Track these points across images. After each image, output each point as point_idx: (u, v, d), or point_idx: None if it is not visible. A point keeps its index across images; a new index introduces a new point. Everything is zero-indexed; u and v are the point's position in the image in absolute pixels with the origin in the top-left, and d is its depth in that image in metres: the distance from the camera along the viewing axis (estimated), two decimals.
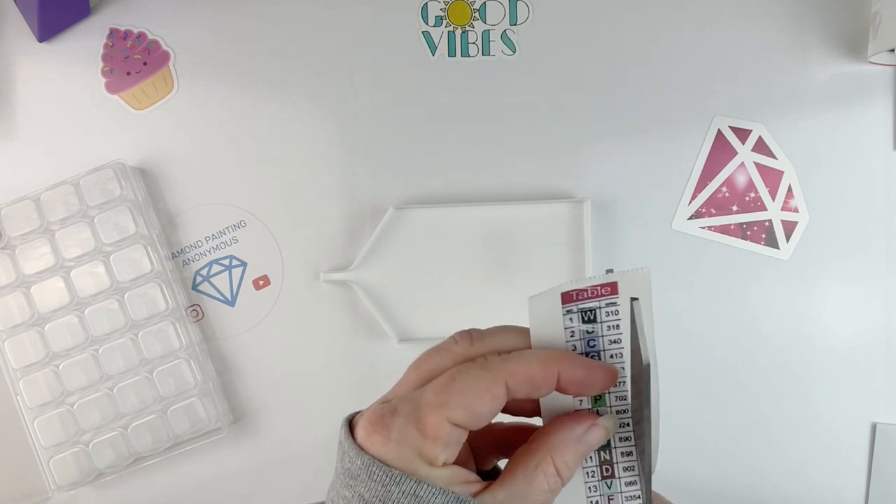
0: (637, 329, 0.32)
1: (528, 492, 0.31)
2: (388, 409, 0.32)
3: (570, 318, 0.34)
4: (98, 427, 0.56)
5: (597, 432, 0.33)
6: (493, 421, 0.32)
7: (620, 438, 0.35)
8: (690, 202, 0.59)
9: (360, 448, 0.31)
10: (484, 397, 0.30)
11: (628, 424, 0.35)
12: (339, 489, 0.32)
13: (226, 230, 0.59)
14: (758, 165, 0.58)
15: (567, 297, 0.33)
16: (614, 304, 0.34)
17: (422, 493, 0.29)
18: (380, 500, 0.30)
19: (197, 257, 0.59)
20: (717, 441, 0.58)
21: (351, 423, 0.34)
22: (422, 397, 0.32)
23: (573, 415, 0.33)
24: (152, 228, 0.58)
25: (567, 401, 0.34)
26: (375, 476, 0.30)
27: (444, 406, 0.30)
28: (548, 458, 0.31)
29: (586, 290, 0.33)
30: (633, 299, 0.32)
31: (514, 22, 0.59)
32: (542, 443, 0.32)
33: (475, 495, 0.31)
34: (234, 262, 0.59)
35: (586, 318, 0.34)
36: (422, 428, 0.30)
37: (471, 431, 0.31)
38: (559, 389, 0.32)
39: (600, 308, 0.34)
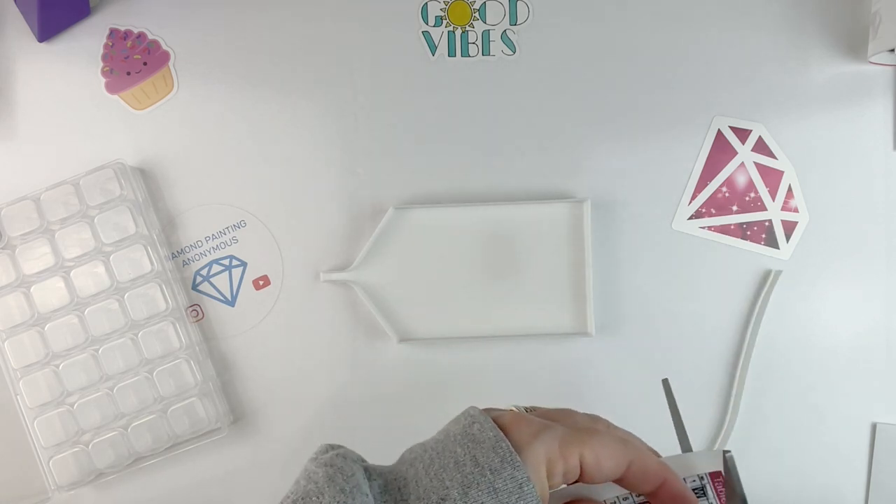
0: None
1: None
2: (542, 422, 0.36)
3: None
4: (98, 427, 0.56)
5: None
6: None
7: None
8: (690, 202, 0.59)
9: (500, 426, 0.35)
10: (611, 460, 0.35)
11: None
12: (449, 445, 0.35)
13: (226, 230, 0.59)
14: (758, 165, 0.58)
15: None
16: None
17: (526, 490, 0.33)
18: (490, 471, 0.33)
19: (197, 257, 0.59)
20: (716, 441, 0.58)
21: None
22: (576, 427, 0.36)
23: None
24: (152, 228, 0.58)
25: None
26: (500, 451, 0.33)
27: (586, 445, 0.35)
28: None
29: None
30: (725, 452, 0.39)
31: (514, 22, 0.59)
32: None
33: None
34: (234, 262, 0.59)
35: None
36: (561, 445, 0.34)
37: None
38: (649, 494, 0.37)
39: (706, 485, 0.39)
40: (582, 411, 0.40)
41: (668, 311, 0.58)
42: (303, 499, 0.33)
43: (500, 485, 0.33)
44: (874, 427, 0.57)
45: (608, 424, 0.38)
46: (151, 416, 0.56)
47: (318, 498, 0.33)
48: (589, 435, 0.35)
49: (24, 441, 0.56)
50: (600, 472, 0.35)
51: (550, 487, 0.35)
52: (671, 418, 0.41)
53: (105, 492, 0.58)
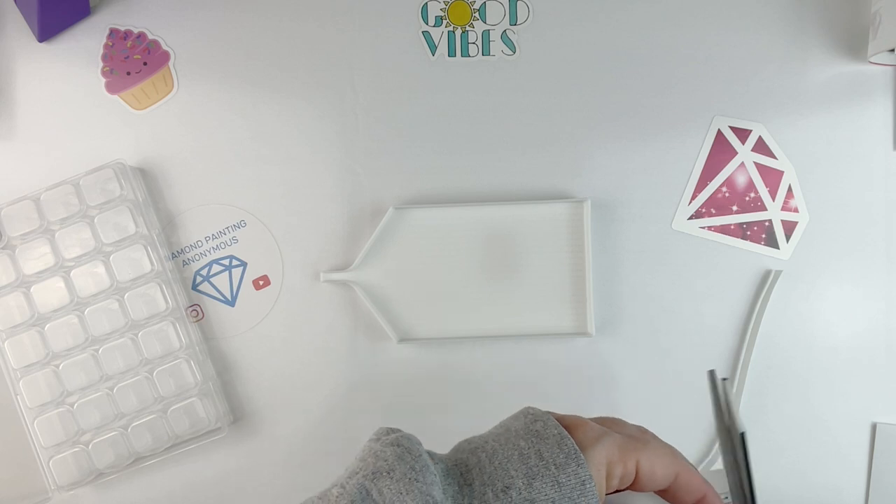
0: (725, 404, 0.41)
1: None
2: (602, 427, 0.38)
3: None
4: (98, 427, 0.56)
5: None
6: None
7: None
8: (690, 202, 0.59)
9: (567, 429, 0.37)
10: (663, 469, 0.37)
11: None
12: (512, 439, 0.36)
13: (226, 230, 0.59)
14: (758, 165, 0.58)
15: None
16: None
17: (588, 487, 0.34)
18: (555, 465, 0.35)
19: (197, 257, 0.59)
20: (716, 441, 0.58)
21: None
22: (634, 435, 0.38)
23: None
24: (152, 228, 0.58)
25: None
26: (566, 448, 0.35)
27: (643, 452, 0.37)
28: None
29: None
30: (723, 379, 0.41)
31: (514, 22, 0.59)
32: None
33: None
34: (234, 262, 0.59)
35: None
36: (621, 451, 0.36)
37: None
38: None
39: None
40: (631, 422, 0.41)
41: (668, 311, 0.58)
42: (373, 474, 0.34)
43: (564, 479, 0.34)
44: (874, 427, 0.57)
45: (654, 436, 0.40)
46: (151, 416, 0.56)
47: (388, 475, 0.34)
48: (644, 444, 0.37)
49: (24, 441, 0.56)
50: (653, 479, 0.37)
51: (607, 490, 0.37)
52: (714, 413, 0.42)
53: (105, 492, 0.58)
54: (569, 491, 0.34)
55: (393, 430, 0.37)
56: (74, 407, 0.56)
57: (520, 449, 0.36)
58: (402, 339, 0.58)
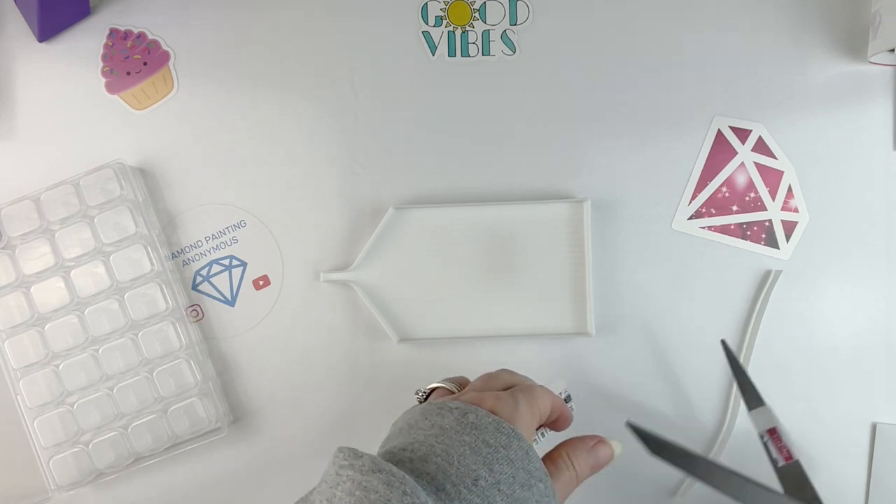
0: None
1: (550, 468, 0.42)
2: (509, 395, 0.42)
3: None
4: (98, 427, 0.56)
5: (604, 448, 0.45)
6: None
7: None
8: (690, 202, 0.59)
9: (491, 412, 0.40)
10: (548, 405, 0.44)
11: None
12: (454, 437, 0.39)
13: (226, 230, 0.59)
14: (758, 165, 0.58)
15: None
16: None
17: (532, 454, 0.39)
18: (503, 447, 0.39)
19: (197, 257, 0.59)
20: (716, 440, 0.58)
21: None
22: (522, 386, 0.44)
23: (590, 434, 0.45)
24: (152, 228, 0.58)
25: None
26: (504, 430, 0.39)
27: (538, 400, 0.43)
28: (562, 451, 0.44)
29: None
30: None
31: (514, 22, 0.59)
32: (563, 444, 0.44)
33: None
34: (234, 262, 0.59)
35: None
36: (529, 405, 0.42)
37: None
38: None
39: None
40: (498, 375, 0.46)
41: (668, 311, 0.58)
42: None
43: (513, 455, 0.39)
44: (874, 427, 0.57)
45: (512, 373, 0.47)
46: (151, 416, 0.56)
47: None
48: (531, 391, 0.43)
49: (24, 441, 0.56)
50: (545, 414, 0.44)
51: None
52: (735, 377, 0.49)
53: (105, 492, 0.58)
54: (520, 463, 0.39)
55: (355, 453, 0.37)
56: (74, 407, 0.56)
57: (468, 444, 0.39)
58: (402, 339, 0.58)
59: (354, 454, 0.36)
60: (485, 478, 0.38)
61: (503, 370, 0.47)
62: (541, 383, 0.46)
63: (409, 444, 0.40)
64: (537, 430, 0.46)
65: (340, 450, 0.37)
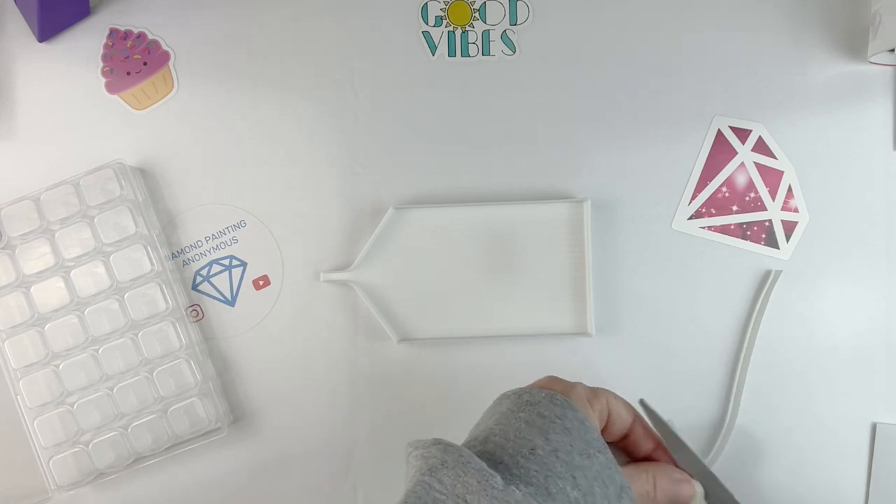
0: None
1: (631, 475, 0.42)
2: (567, 380, 0.43)
3: None
4: (98, 427, 0.56)
5: (686, 486, 0.44)
6: None
7: None
8: (690, 202, 0.59)
9: (544, 388, 0.42)
10: (626, 412, 0.44)
11: None
12: (510, 417, 0.41)
13: (226, 230, 0.59)
14: (758, 165, 0.58)
15: None
16: None
17: (588, 424, 0.40)
18: (558, 417, 0.40)
19: (197, 257, 0.59)
20: (716, 440, 0.58)
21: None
22: (596, 388, 0.44)
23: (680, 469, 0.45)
24: (152, 228, 0.58)
25: None
26: (558, 401, 0.40)
27: (609, 395, 0.43)
28: (650, 470, 0.44)
29: None
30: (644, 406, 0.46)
31: (514, 22, 0.59)
32: (653, 463, 0.45)
33: None
34: (234, 262, 0.59)
35: None
36: (592, 390, 0.43)
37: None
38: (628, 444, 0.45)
39: None
40: None
41: (668, 311, 0.58)
42: (429, 470, 0.37)
43: (569, 424, 0.39)
44: (874, 427, 0.57)
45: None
46: (151, 416, 0.56)
47: (442, 466, 0.37)
48: (607, 390, 0.44)
49: (24, 441, 0.56)
50: (619, 419, 0.43)
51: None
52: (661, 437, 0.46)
53: (105, 492, 0.58)
54: (576, 432, 0.39)
55: (418, 440, 0.40)
56: (74, 407, 0.56)
57: (523, 419, 0.40)
58: (402, 339, 0.58)
59: (418, 441, 0.40)
60: (542, 447, 0.39)
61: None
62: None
63: (473, 436, 0.42)
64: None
65: (408, 444, 0.40)
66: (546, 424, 0.39)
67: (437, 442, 0.39)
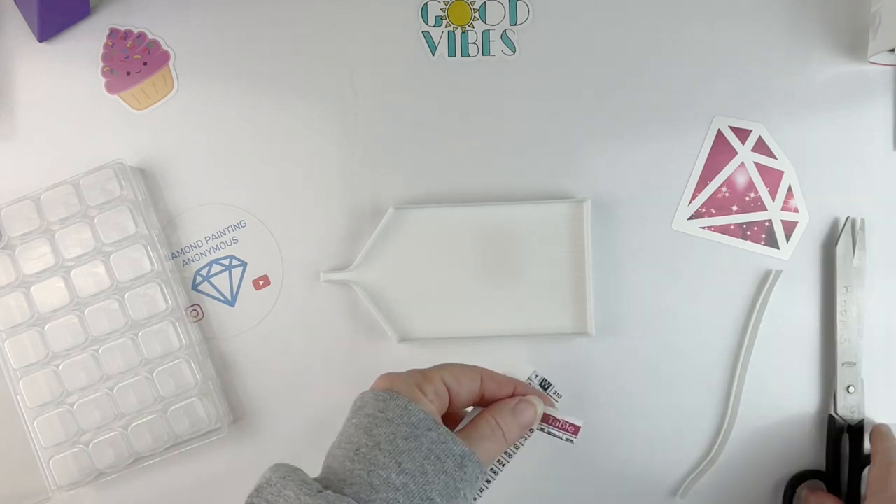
0: None
1: (473, 433, 0.44)
2: (401, 372, 0.44)
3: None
4: (98, 427, 0.56)
5: (526, 407, 0.46)
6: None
7: None
8: (690, 202, 0.59)
9: (372, 389, 0.43)
10: (467, 376, 0.45)
11: None
12: (347, 423, 0.43)
13: (226, 230, 0.59)
14: (758, 165, 0.58)
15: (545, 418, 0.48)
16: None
17: (410, 407, 0.41)
18: (380, 411, 0.41)
19: (197, 257, 0.59)
20: (716, 440, 0.58)
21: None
22: (436, 367, 0.45)
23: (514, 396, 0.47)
24: (152, 228, 0.58)
25: None
26: (381, 397, 0.42)
27: (443, 370, 0.45)
28: (489, 415, 0.45)
29: (558, 421, 0.48)
30: None
31: (514, 22, 0.59)
32: (489, 406, 0.46)
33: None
34: (234, 262, 0.59)
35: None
36: (422, 374, 0.44)
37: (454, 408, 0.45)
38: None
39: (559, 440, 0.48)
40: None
41: (668, 311, 0.58)
42: (256, 491, 0.39)
43: (391, 414, 0.41)
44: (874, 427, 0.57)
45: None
46: (151, 416, 0.56)
47: (267, 484, 0.39)
48: (442, 366, 0.45)
49: (24, 441, 0.56)
50: (462, 387, 0.45)
51: (441, 411, 0.44)
52: None
53: (105, 492, 0.58)
54: (398, 419, 0.41)
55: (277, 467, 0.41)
56: (74, 407, 0.56)
57: (353, 424, 0.42)
58: (402, 339, 0.58)
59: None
60: (365, 444, 0.40)
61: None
62: (506, 372, 0.48)
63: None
64: (472, 408, 0.47)
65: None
66: (370, 422, 0.41)
67: (274, 466, 0.40)
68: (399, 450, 0.40)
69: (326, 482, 0.39)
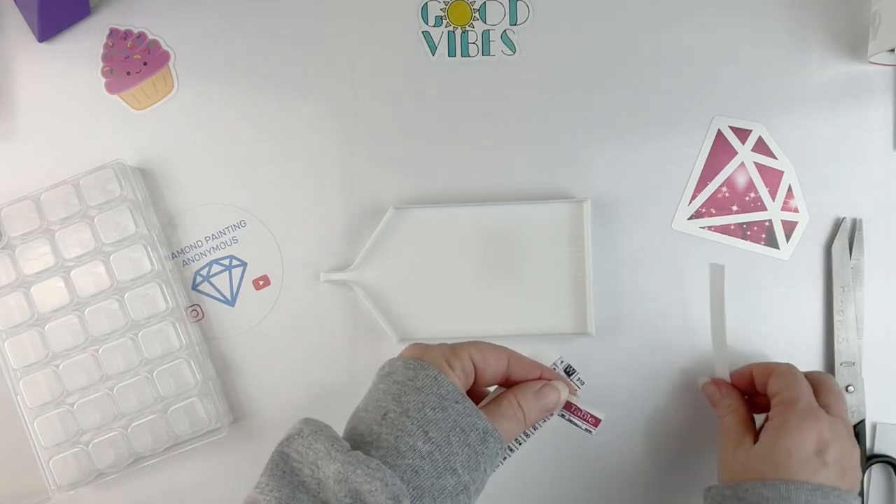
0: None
1: (496, 411, 0.45)
2: (432, 343, 0.46)
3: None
4: (98, 427, 0.56)
5: (550, 391, 0.47)
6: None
7: None
8: (690, 202, 0.59)
9: (401, 356, 0.45)
10: (494, 356, 0.46)
11: None
12: (373, 387, 0.44)
13: (226, 230, 0.59)
14: (758, 165, 0.58)
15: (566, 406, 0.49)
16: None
17: (440, 378, 0.42)
18: (409, 379, 0.42)
19: (197, 257, 0.59)
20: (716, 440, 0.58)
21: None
22: (465, 343, 0.46)
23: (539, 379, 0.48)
24: (152, 228, 0.58)
25: None
26: (410, 366, 0.43)
27: (472, 346, 0.45)
28: (512, 396, 0.46)
29: (581, 411, 0.50)
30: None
31: (514, 22, 0.59)
32: (514, 387, 0.47)
33: None
34: (234, 262, 0.59)
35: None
36: (451, 348, 0.45)
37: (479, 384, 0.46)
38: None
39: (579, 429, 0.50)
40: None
41: (668, 311, 0.58)
42: (287, 440, 0.42)
43: (420, 383, 0.42)
44: (874, 427, 0.57)
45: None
46: (151, 416, 0.56)
47: (298, 435, 0.42)
48: (473, 342, 0.46)
49: (24, 441, 0.56)
50: (488, 366, 0.45)
51: (465, 386, 0.44)
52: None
53: (105, 492, 0.58)
54: (428, 389, 0.42)
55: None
56: (74, 407, 0.56)
57: (382, 389, 0.43)
58: (402, 339, 0.58)
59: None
60: (393, 410, 0.41)
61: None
62: (531, 355, 0.49)
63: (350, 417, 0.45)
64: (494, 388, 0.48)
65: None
66: (399, 389, 0.42)
67: (304, 419, 0.42)
68: (427, 419, 0.41)
69: (352, 443, 0.41)
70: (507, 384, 0.48)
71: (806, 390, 0.48)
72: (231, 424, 0.58)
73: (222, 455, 0.58)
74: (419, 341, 0.46)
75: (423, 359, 0.43)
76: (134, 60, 0.59)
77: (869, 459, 0.56)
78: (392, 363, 0.44)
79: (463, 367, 0.44)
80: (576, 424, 0.49)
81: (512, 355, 0.47)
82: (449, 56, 0.59)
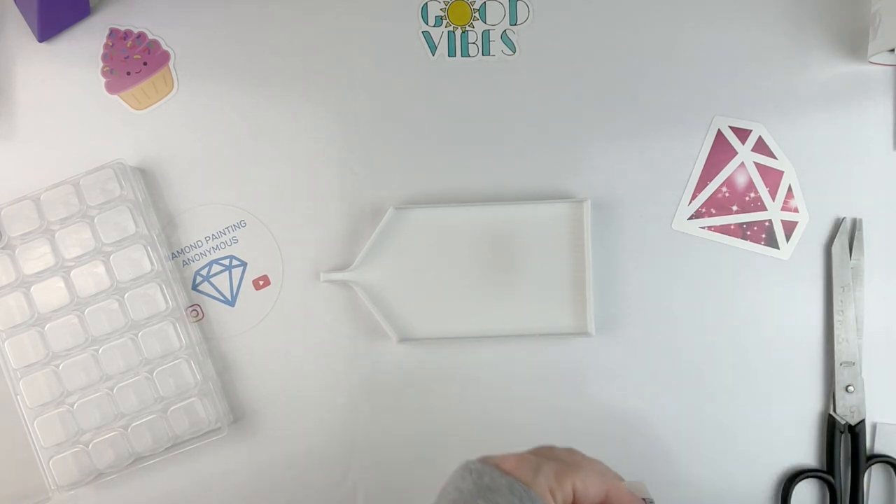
0: None
1: None
2: (536, 459, 0.43)
3: None
4: (98, 427, 0.56)
5: None
6: None
7: None
8: (690, 202, 0.59)
9: (506, 472, 0.41)
10: (595, 487, 0.43)
11: None
12: (470, 500, 0.40)
13: (226, 230, 0.59)
14: (758, 165, 0.58)
15: None
16: None
17: None
18: None
19: (197, 257, 0.59)
20: (717, 440, 0.58)
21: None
22: (565, 462, 0.43)
23: None
24: (152, 228, 0.58)
25: None
26: (517, 491, 0.40)
27: (576, 476, 0.42)
28: None
29: None
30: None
31: (514, 22, 0.59)
32: None
33: None
34: (234, 262, 0.59)
35: None
36: (557, 478, 0.41)
37: None
38: None
39: None
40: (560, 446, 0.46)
41: (668, 311, 0.58)
42: None
43: None
44: (874, 427, 0.57)
45: (583, 456, 0.46)
46: (151, 416, 0.56)
47: None
48: (576, 468, 0.43)
49: (24, 441, 0.56)
50: (587, 497, 0.42)
51: None
52: None
53: (105, 492, 0.58)
54: None
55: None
56: (74, 407, 0.56)
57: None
58: (402, 339, 0.58)
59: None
60: None
61: (568, 448, 0.46)
62: (621, 475, 0.46)
63: None
64: None
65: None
66: None
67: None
68: None
69: None
70: None
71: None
72: (231, 424, 0.58)
73: (222, 455, 0.58)
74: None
75: (532, 487, 0.40)
76: (134, 60, 0.59)
77: (869, 459, 0.56)
78: (494, 477, 0.41)
79: (564, 499, 0.42)
80: None
81: (612, 488, 0.43)
82: (449, 56, 0.59)
